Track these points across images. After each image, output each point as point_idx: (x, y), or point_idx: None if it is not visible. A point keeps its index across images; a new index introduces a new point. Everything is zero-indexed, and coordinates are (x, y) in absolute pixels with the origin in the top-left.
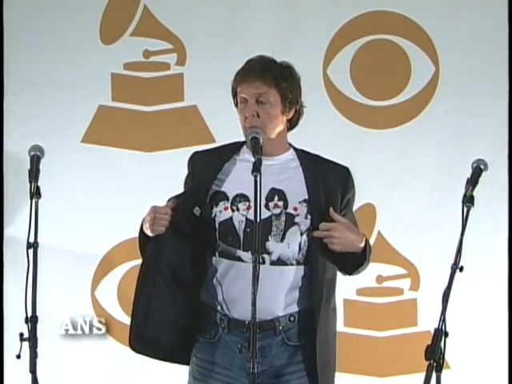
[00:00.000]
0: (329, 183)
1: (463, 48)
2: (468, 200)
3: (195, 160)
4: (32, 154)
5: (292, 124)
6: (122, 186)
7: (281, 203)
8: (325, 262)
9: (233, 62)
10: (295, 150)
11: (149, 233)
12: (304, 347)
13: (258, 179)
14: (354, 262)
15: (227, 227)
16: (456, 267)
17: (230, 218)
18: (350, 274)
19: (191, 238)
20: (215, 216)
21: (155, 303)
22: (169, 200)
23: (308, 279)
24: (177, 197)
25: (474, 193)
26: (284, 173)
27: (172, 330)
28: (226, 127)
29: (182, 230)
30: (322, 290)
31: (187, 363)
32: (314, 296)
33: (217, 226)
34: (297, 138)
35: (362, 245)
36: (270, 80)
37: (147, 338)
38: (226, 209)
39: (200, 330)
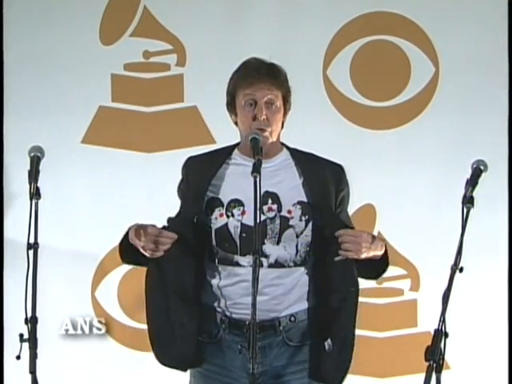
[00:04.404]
0: (324, 181)
1: (463, 49)
2: (468, 201)
3: (189, 166)
4: (32, 154)
5: (282, 125)
6: (122, 187)
7: (274, 206)
8: (323, 262)
9: (233, 63)
10: (288, 149)
11: (146, 254)
12: (305, 347)
13: (258, 180)
14: (377, 268)
15: (223, 233)
16: (456, 268)
17: (226, 225)
18: (374, 279)
19: (194, 247)
20: (211, 223)
21: (175, 318)
22: (168, 220)
23: (308, 280)
24: (179, 212)
25: (474, 193)
26: (278, 175)
27: (195, 342)
28: (226, 128)
29: (187, 242)
30: (324, 289)
31: None
32: (316, 296)
33: (213, 233)
34: (297, 138)
35: (383, 251)
36: (278, 83)
37: (175, 353)
38: (221, 215)
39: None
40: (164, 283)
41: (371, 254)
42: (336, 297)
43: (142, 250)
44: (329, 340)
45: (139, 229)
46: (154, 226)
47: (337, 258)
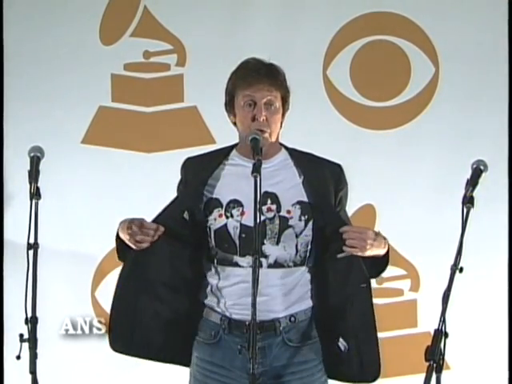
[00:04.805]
0: (323, 181)
1: (463, 48)
2: (468, 201)
3: (187, 166)
4: (32, 154)
5: (281, 125)
6: (122, 187)
7: (274, 206)
8: (325, 261)
9: (233, 63)
10: (287, 149)
11: (133, 246)
12: (305, 348)
13: (258, 180)
14: (377, 266)
15: (222, 234)
16: (456, 268)
17: (225, 225)
18: (373, 277)
19: (184, 243)
20: (210, 224)
21: (143, 307)
22: (157, 216)
23: (309, 280)
24: (168, 205)
25: (474, 193)
26: (277, 175)
27: (163, 331)
28: (226, 128)
29: (173, 235)
30: (327, 288)
31: (186, 364)
32: (319, 295)
33: (212, 233)
34: (297, 138)
35: (386, 249)
36: (277, 84)
37: (135, 338)
38: (220, 216)
39: (200, 331)
40: (140, 272)
41: (374, 251)
42: (341, 295)
43: (128, 242)
44: (341, 339)
45: (130, 223)
46: (142, 219)
47: (340, 255)
